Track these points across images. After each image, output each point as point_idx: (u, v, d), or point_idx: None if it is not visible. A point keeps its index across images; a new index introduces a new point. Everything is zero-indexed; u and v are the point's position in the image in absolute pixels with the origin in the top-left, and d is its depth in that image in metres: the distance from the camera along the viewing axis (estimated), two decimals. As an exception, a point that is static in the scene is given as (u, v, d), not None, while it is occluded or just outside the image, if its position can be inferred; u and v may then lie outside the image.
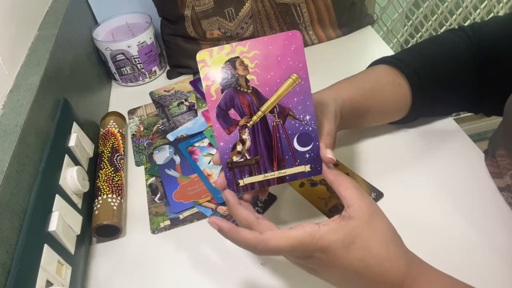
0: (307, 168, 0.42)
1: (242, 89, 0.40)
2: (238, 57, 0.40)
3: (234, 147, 0.41)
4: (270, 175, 0.42)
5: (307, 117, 0.41)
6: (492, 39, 0.51)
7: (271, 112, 0.41)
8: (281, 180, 0.42)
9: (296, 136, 0.41)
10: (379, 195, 0.52)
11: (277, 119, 0.41)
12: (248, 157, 0.41)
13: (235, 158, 0.41)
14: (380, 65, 0.56)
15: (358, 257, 0.35)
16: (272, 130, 0.41)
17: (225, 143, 0.41)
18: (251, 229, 0.38)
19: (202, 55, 0.39)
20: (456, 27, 0.56)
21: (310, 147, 0.41)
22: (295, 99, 0.40)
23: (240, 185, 0.42)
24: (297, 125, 0.41)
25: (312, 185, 0.55)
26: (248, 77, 0.40)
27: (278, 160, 0.42)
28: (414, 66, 0.53)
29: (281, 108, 0.41)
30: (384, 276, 0.36)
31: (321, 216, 0.52)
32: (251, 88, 0.40)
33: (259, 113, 0.41)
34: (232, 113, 0.41)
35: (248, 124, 0.41)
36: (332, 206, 0.52)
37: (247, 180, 0.42)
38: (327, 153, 0.41)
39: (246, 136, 0.41)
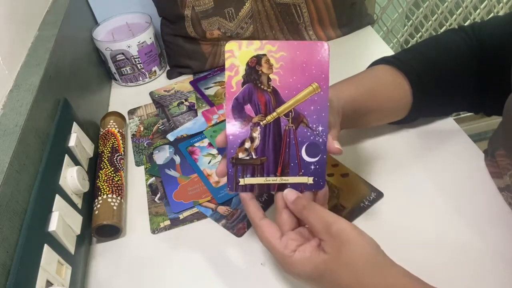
0: (309, 180, 0.42)
1: (262, 86, 0.40)
2: (265, 54, 0.40)
3: (243, 143, 0.41)
4: (272, 180, 0.42)
5: (320, 128, 0.41)
6: (492, 38, 0.51)
7: (286, 115, 0.41)
8: (281, 187, 0.41)
9: (305, 145, 0.41)
10: (379, 195, 0.52)
11: (290, 124, 0.41)
12: (254, 157, 0.41)
13: (240, 155, 0.41)
14: (380, 65, 0.56)
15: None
16: (283, 134, 0.41)
17: (234, 137, 0.40)
18: (253, 224, 0.42)
19: (231, 46, 0.40)
20: (456, 27, 0.56)
21: (317, 159, 0.41)
22: (312, 107, 0.40)
23: (240, 184, 0.41)
24: (308, 133, 0.41)
25: None
26: (271, 76, 0.40)
27: (283, 166, 0.41)
28: (414, 66, 0.53)
29: (296, 114, 0.41)
30: None
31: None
32: (271, 87, 0.40)
33: (274, 114, 0.41)
34: (248, 108, 0.41)
35: (262, 123, 0.41)
36: (332, 206, 0.52)
37: (248, 180, 0.41)
38: (335, 144, 0.41)
39: (256, 134, 0.41)
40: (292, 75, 0.40)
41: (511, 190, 0.47)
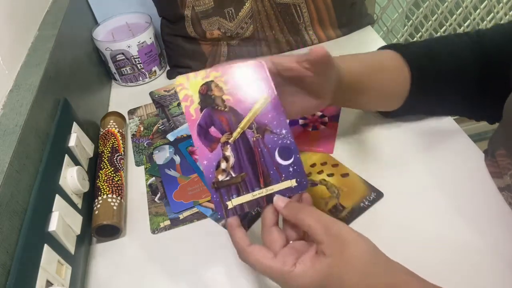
0: (293, 182, 0.42)
1: (219, 108, 0.42)
2: (212, 81, 0.43)
3: (218, 165, 0.41)
4: (258, 193, 0.42)
5: (284, 131, 0.42)
6: (495, 45, 0.51)
7: (250, 128, 0.42)
8: (269, 198, 0.41)
9: (277, 150, 0.42)
10: (379, 195, 0.52)
11: (256, 134, 0.42)
12: (233, 175, 0.41)
13: (220, 177, 0.41)
14: (387, 50, 0.56)
15: None
16: (254, 145, 0.42)
17: (208, 161, 0.41)
18: (240, 252, 0.39)
19: (180, 80, 0.42)
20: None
21: (292, 160, 0.42)
22: (270, 115, 0.43)
23: (229, 207, 0.41)
24: (275, 139, 0.42)
25: (312, 185, 0.55)
26: (224, 97, 0.42)
27: (264, 176, 0.42)
28: (419, 57, 0.53)
29: (258, 124, 0.42)
30: None
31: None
32: (227, 106, 0.42)
33: (239, 129, 0.42)
34: (213, 130, 0.42)
35: (230, 140, 0.42)
36: (332, 206, 0.52)
37: (236, 201, 0.41)
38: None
39: (229, 153, 0.42)
40: (242, 92, 0.43)
41: (511, 190, 0.47)
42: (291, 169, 0.42)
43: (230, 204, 0.41)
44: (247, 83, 0.43)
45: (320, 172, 0.57)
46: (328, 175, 0.56)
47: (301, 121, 0.65)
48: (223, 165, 0.41)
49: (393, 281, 0.35)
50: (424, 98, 0.55)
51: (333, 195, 0.53)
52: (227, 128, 0.42)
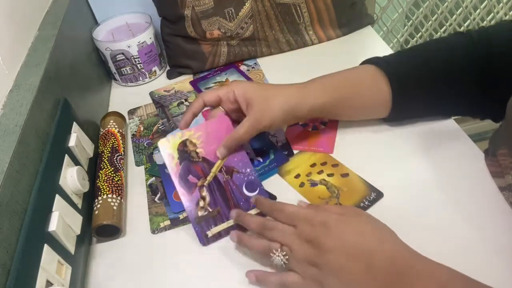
0: None
1: (194, 159, 0.53)
2: (187, 139, 0.54)
3: (197, 204, 0.52)
4: (232, 221, 0.51)
5: (248, 170, 0.54)
6: (499, 44, 0.51)
7: (220, 171, 0.53)
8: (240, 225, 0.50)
9: (244, 185, 0.53)
10: (379, 195, 0.52)
11: (226, 176, 0.53)
12: (210, 210, 0.52)
13: (200, 213, 0.51)
14: (367, 65, 0.57)
15: (355, 231, 0.41)
16: (225, 185, 0.53)
17: (190, 202, 0.52)
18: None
19: (162, 143, 0.53)
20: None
21: (257, 191, 0.53)
22: (235, 159, 0.54)
23: (209, 236, 0.50)
24: (242, 177, 0.54)
25: (312, 185, 0.55)
26: (197, 150, 0.54)
27: (235, 207, 0.52)
28: (401, 67, 0.54)
29: (227, 168, 0.54)
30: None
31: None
32: (201, 157, 0.54)
33: (211, 174, 0.53)
34: (191, 178, 0.53)
35: (205, 184, 0.53)
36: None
37: (214, 230, 0.51)
38: (218, 149, 0.53)
39: (205, 193, 0.52)
40: (212, 144, 0.54)
41: None
42: None
43: (210, 233, 0.51)
44: (215, 135, 0.54)
45: (320, 172, 0.57)
46: (328, 175, 0.56)
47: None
48: (201, 203, 0.52)
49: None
50: (408, 108, 0.56)
51: (333, 195, 0.54)
52: (201, 174, 0.53)
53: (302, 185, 0.56)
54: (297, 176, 0.57)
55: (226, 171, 0.54)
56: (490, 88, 0.51)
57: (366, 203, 0.52)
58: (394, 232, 0.41)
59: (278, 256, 0.43)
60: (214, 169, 0.53)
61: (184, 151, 0.53)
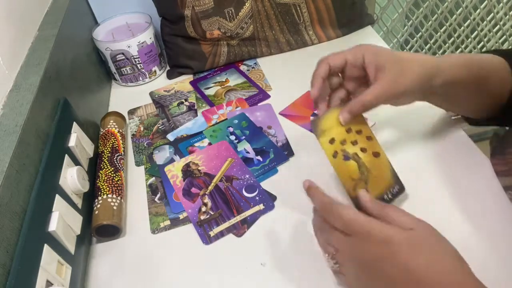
0: (261, 206, 0.54)
1: (196, 175, 0.59)
2: (190, 161, 0.61)
3: (200, 210, 0.55)
4: (233, 220, 0.53)
5: (247, 176, 0.58)
6: None
7: (220, 181, 0.58)
8: (243, 220, 0.53)
9: (244, 188, 0.57)
10: (401, 189, 0.49)
11: (226, 183, 0.58)
12: (212, 213, 0.54)
13: (202, 217, 0.54)
14: (497, 56, 0.51)
15: (424, 262, 0.34)
16: (225, 191, 0.57)
17: (192, 209, 0.55)
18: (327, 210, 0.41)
19: (168, 167, 0.61)
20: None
21: (256, 192, 0.56)
22: (235, 169, 0.59)
23: (212, 235, 0.52)
24: (241, 182, 0.57)
25: (345, 158, 0.48)
26: (200, 168, 0.60)
27: (235, 207, 0.54)
28: None
29: (227, 177, 0.58)
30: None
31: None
32: (203, 173, 0.60)
33: (212, 183, 0.58)
34: (193, 189, 0.58)
35: (206, 192, 0.57)
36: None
37: (216, 230, 0.52)
38: (341, 114, 0.47)
39: (206, 200, 0.56)
40: (212, 161, 0.61)
41: None
42: (257, 198, 0.55)
43: (212, 233, 0.52)
44: (216, 155, 0.61)
45: (354, 143, 0.48)
46: (362, 150, 0.48)
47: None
48: (204, 208, 0.55)
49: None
50: None
51: (362, 177, 0.47)
52: (203, 186, 0.58)
53: (335, 155, 0.48)
54: (332, 141, 0.48)
55: (226, 180, 0.58)
56: None
57: (389, 195, 0.47)
58: (462, 258, 0.36)
59: (329, 261, 0.41)
60: (215, 179, 0.58)
61: (188, 171, 0.60)
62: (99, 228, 0.52)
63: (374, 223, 0.37)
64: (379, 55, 0.46)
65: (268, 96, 0.74)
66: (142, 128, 0.73)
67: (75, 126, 0.57)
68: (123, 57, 0.79)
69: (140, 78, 0.84)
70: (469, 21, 1.25)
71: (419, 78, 0.45)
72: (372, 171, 0.48)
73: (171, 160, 0.64)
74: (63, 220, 0.46)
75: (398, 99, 0.47)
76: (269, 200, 0.54)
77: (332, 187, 0.55)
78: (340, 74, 0.50)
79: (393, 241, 0.35)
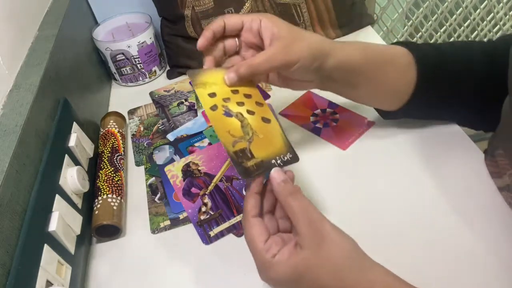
0: None
1: (197, 175, 0.58)
2: (190, 161, 0.60)
3: (200, 210, 0.55)
4: (233, 220, 0.53)
5: None
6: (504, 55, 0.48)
7: (221, 181, 0.58)
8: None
9: (244, 188, 0.56)
10: (294, 158, 0.44)
11: (226, 183, 0.57)
12: (212, 213, 0.54)
13: (202, 217, 0.54)
14: (399, 46, 0.52)
15: None
16: (225, 191, 0.56)
17: (192, 209, 0.55)
18: (244, 218, 0.41)
19: (168, 167, 0.59)
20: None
21: None
22: (235, 169, 0.52)
23: (212, 235, 0.52)
24: (241, 182, 0.57)
25: (225, 114, 0.44)
26: (199, 168, 0.59)
27: (235, 207, 0.54)
28: (429, 58, 0.51)
29: (227, 177, 0.58)
30: None
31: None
32: (203, 173, 0.59)
33: (212, 184, 0.57)
34: (193, 190, 0.57)
35: (206, 192, 0.56)
36: (239, 149, 0.42)
37: (216, 230, 0.53)
38: (227, 74, 0.45)
39: (207, 200, 0.56)
40: (212, 161, 0.60)
41: (511, 190, 0.47)
42: None
43: (212, 233, 0.52)
44: (215, 155, 0.60)
45: (240, 104, 0.45)
46: (248, 112, 0.45)
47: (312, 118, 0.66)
48: (204, 208, 0.55)
49: (373, 279, 0.35)
50: (426, 101, 0.53)
51: (245, 137, 0.43)
52: (203, 186, 0.57)
53: (214, 108, 0.44)
54: (213, 95, 0.44)
55: (226, 180, 0.58)
56: (491, 98, 0.50)
57: (279, 161, 0.43)
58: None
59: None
60: (215, 179, 0.57)
61: (188, 171, 0.59)
62: (99, 228, 0.52)
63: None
64: (276, 24, 0.45)
65: (268, 96, 0.74)
66: (142, 128, 0.73)
67: (75, 126, 0.57)
68: (123, 57, 0.79)
69: (140, 78, 0.84)
70: (469, 21, 1.25)
71: (310, 53, 0.45)
72: (259, 134, 0.44)
73: (171, 160, 0.64)
74: (63, 220, 0.46)
75: (290, 70, 0.45)
76: None
77: (332, 188, 0.55)
78: (237, 40, 0.49)
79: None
